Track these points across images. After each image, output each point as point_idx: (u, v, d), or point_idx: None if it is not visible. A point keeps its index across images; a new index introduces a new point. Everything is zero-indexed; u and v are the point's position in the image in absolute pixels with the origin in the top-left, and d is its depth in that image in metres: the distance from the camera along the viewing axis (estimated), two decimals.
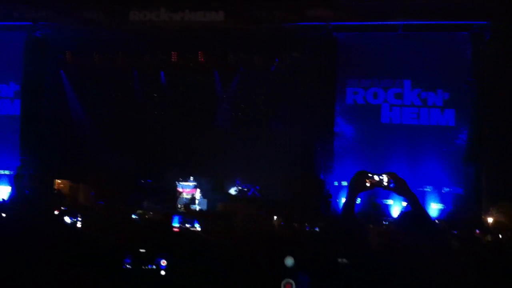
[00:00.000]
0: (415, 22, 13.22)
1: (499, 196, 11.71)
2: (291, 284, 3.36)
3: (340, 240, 3.97)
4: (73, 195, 13.11)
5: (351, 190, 3.81)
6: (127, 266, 4.36)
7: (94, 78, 14.72)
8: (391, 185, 3.71)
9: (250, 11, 13.52)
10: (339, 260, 3.81)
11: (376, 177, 3.70)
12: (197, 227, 7.36)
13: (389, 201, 12.08)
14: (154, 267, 4.26)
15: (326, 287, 3.58)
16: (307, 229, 7.78)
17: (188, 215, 8.61)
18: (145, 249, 4.69)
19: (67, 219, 6.99)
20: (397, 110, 13.54)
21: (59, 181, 13.01)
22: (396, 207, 11.99)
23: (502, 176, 11.84)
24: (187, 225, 7.57)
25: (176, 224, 7.68)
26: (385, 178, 3.69)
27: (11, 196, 11.88)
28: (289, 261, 3.60)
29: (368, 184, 3.73)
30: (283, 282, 3.37)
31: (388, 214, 11.73)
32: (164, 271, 4.14)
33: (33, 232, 4.62)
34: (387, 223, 9.25)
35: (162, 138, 14.46)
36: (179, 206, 11.97)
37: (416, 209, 3.71)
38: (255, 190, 13.39)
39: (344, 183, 12.91)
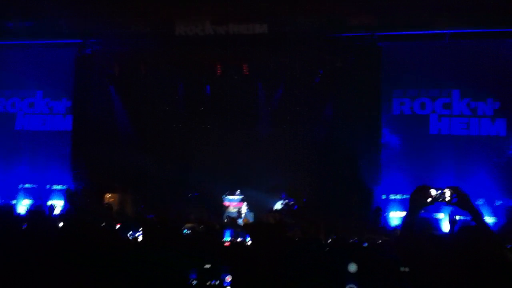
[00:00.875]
0: (462, 31, 13.00)
1: None
2: None
3: (400, 256, 3.93)
4: (122, 208, 13.39)
5: (412, 205, 3.77)
6: (193, 282, 4.40)
7: (141, 92, 14.98)
8: (454, 200, 3.65)
9: (293, 23, 13.53)
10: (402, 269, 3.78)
11: (438, 192, 3.66)
12: (248, 241, 7.34)
13: (440, 215, 11.86)
14: (218, 282, 4.30)
15: None
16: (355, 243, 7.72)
17: (239, 228, 8.63)
18: (209, 264, 4.72)
19: (128, 234, 7.10)
20: (445, 120, 13.29)
21: (109, 195, 13.31)
22: (446, 221, 11.75)
23: None
24: (239, 239, 7.59)
25: (227, 238, 7.72)
26: (447, 192, 3.64)
27: (64, 210, 12.17)
28: (352, 267, 3.61)
29: (429, 200, 3.69)
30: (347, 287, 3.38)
31: (439, 228, 11.51)
32: (230, 287, 4.17)
33: (93, 245, 4.72)
34: (443, 237, 9.04)
35: (208, 151, 14.59)
36: (225, 219, 12.02)
37: (479, 223, 3.66)
38: (301, 203, 13.34)
39: (392, 196, 12.76)
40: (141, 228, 6.71)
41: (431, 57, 13.35)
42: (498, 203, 12.30)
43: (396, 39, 13.44)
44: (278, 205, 13.28)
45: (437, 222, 11.77)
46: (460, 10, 12.71)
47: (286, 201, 13.26)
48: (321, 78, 14.21)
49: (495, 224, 11.95)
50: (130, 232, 7.24)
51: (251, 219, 12.32)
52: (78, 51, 14.40)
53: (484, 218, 3.71)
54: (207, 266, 4.61)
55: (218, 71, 14.60)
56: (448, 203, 3.63)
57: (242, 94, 14.80)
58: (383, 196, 12.84)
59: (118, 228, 7.85)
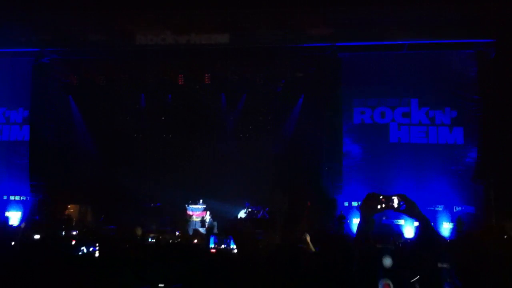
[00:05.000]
0: (420, 42, 13.29)
1: (509, 213, 11.63)
2: (389, 285, 3.34)
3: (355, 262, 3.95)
4: (82, 220, 13.09)
5: (363, 212, 3.80)
6: None
7: (101, 102, 14.76)
8: (402, 207, 3.71)
9: (254, 33, 13.59)
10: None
11: (386, 199, 3.71)
12: (233, 247, 7.22)
13: (400, 221, 12.02)
14: None
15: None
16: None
17: (223, 235, 8.52)
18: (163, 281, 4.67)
19: (84, 249, 6.93)
20: (405, 129, 13.51)
21: (68, 206, 13.01)
22: (408, 227, 11.93)
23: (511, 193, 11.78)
24: (223, 246, 7.51)
25: (212, 245, 7.64)
26: (395, 200, 3.70)
27: (21, 222, 11.83)
28: (387, 261, 3.58)
29: (379, 207, 3.73)
30: (381, 283, 3.35)
31: (401, 234, 11.66)
32: None
33: (48, 261, 4.59)
34: (401, 243, 9.18)
35: (170, 160, 14.48)
36: (189, 229, 11.92)
37: (427, 230, 3.72)
38: (265, 212, 13.35)
39: (355, 203, 12.87)
40: (97, 244, 6.55)
41: (390, 67, 13.57)
42: (457, 209, 12.57)
43: (356, 50, 13.62)
44: (242, 214, 13.26)
45: (398, 228, 11.93)
46: (418, 21, 13.03)
47: (250, 209, 13.26)
48: (283, 88, 14.30)
49: (452, 229, 12.22)
50: (84, 248, 7.03)
51: (215, 229, 12.23)
52: (35, 60, 14.08)
53: (432, 225, 3.78)
54: (161, 285, 4.56)
55: (180, 81, 14.50)
56: (396, 210, 3.69)
57: (205, 104, 14.76)
58: (346, 203, 12.94)
59: (75, 243, 7.64)
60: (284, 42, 13.46)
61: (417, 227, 10.44)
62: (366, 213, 3.76)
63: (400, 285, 3.57)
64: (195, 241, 9.58)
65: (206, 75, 14.42)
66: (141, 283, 4.51)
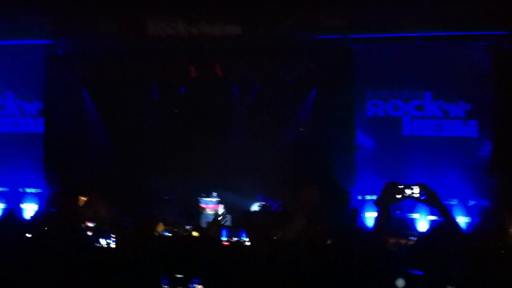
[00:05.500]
0: (434, 34, 13.22)
1: None
2: None
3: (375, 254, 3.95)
4: (97, 211, 13.18)
5: (382, 202, 3.81)
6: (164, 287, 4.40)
7: (114, 93, 14.80)
8: (422, 197, 3.72)
9: (267, 24, 13.57)
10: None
11: (406, 189, 3.72)
12: (245, 239, 7.27)
13: (415, 215, 12.04)
14: None
15: None
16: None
17: (235, 227, 8.58)
18: (181, 272, 4.72)
19: (101, 240, 7.01)
20: (418, 122, 13.48)
21: (83, 198, 13.10)
22: (422, 221, 11.96)
23: None
24: (235, 238, 7.57)
25: (224, 238, 7.69)
26: (416, 189, 3.71)
27: (37, 214, 11.93)
28: (400, 283, 3.60)
29: (399, 196, 3.74)
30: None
31: (414, 228, 11.69)
32: None
33: (63, 254, 4.66)
34: (415, 237, 9.19)
35: (184, 153, 14.53)
36: (202, 222, 11.98)
37: (447, 220, 3.72)
38: (278, 205, 13.39)
39: (368, 197, 12.90)
40: (114, 235, 6.63)
41: (403, 60, 13.52)
42: (472, 203, 12.55)
43: (369, 41, 13.59)
44: (255, 207, 13.30)
45: (412, 222, 11.96)
46: (432, 13, 12.94)
47: (263, 202, 13.30)
48: (295, 80, 14.27)
49: (469, 224, 12.19)
50: (101, 240, 7.13)
51: (228, 222, 12.28)
52: (49, 52, 14.15)
53: (452, 215, 3.77)
54: (179, 275, 4.62)
55: (192, 72, 14.52)
56: (417, 200, 3.70)
57: (217, 96, 14.76)
58: (359, 197, 12.97)
59: (92, 234, 7.74)
60: (297, 34, 13.43)
61: (431, 222, 10.47)
62: (385, 202, 3.77)
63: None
64: (214, 234, 9.61)
65: (218, 67, 14.41)
66: (158, 275, 4.56)
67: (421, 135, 13.39)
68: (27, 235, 6.20)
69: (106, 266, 4.49)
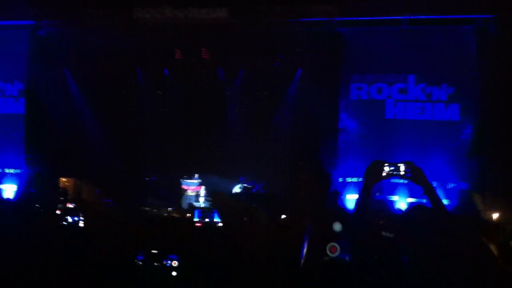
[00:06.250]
0: (418, 17, 13.16)
1: (504, 191, 11.66)
2: (336, 247, 3.32)
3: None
4: (78, 193, 13.14)
5: (367, 180, 3.76)
6: (139, 263, 4.36)
7: (98, 76, 14.71)
8: (408, 174, 3.68)
9: (253, 7, 13.49)
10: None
11: (392, 166, 3.68)
12: (217, 220, 7.24)
13: (394, 197, 12.06)
14: (166, 264, 4.24)
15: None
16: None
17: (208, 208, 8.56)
18: (158, 249, 4.67)
19: (69, 219, 6.98)
20: (401, 105, 13.45)
21: (64, 179, 13.06)
22: (401, 203, 11.98)
23: (506, 171, 11.79)
24: (207, 219, 7.56)
25: (196, 218, 7.69)
26: (401, 166, 3.66)
27: (17, 194, 11.91)
28: (337, 226, 3.55)
29: (384, 174, 3.69)
30: (328, 245, 3.32)
31: (393, 210, 11.70)
32: (175, 271, 4.13)
33: (35, 231, 4.64)
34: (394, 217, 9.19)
35: (166, 135, 14.51)
36: (183, 203, 11.99)
37: (431, 199, 3.69)
38: (260, 187, 13.40)
39: (349, 179, 12.92)
40: (81, 214, 6.57)
41: (388, 43, 13.49)
42: (451, 185, 12.57)
43: (355, 25, 13.52)
44: (237, 189, 13.30)
45: (391, 204, 11.98)
46: None
47: (245, 184, 13.30)
48: (280, 63, 14.21)
49: (448, 206, 12.22)
50: (71, 218, 7.07)
51: (208, 203, 12.30)
52: (30, 32, 14.02)
53: (437, 193, 3.73)
54: (154, 251, 4.56)
55: (177, 55, 14.44)
56: (402, 177, 3.65)
57: (202, 78, 14.73)
58: (340, 179, 12.99)
59: (60, 213, 7.69)
60: (283, 17, 13.35)
61: (410, 204, 10.47)
62: (370, 180, 3.72)
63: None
64: (189, 215, 9.63)
65: (203, 49, 14.34)
66: (134, 250, 4.51)
67: (404, 118, 13.39)
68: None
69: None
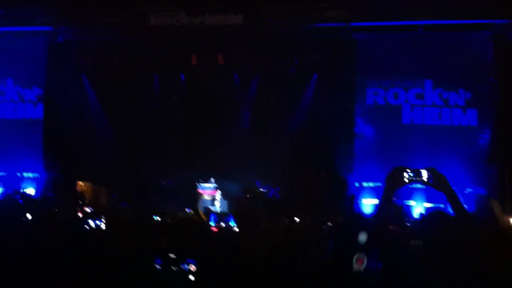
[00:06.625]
0: (435, 22, 13.12)
1: None
2: (363, 260, 3.30)
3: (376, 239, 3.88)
4: (95, 197, 13.25)
5: (389, 185, 3.72)
6: (158, 266, 4.37)
7: (115, 82, 14.89)
8: (431, 181, 3.65)
9: (269, 14, 13.54)
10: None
11: (414, 172, 3.65)
12: (233, 225, 7.21)
13: (411, 202, 11.98)
14: (184, 268, 4.25)
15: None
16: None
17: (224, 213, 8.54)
18: (175, 253, 4.68)
19: (91, 223, 6.99)
20: (418, 110, 13.40)
21: (81, 183, 13.17)
22: (418, 208, 11.90)
23: None
24: (222, 224, 7.53)
25: (212, 223, 7.66)
26: (424, 173, 3.63)
27: (35, 198, 11.98)
28: (362, 237, 3.53)
29: (406, 180, 3.67)
30: (355, 257, 3.30)
31: (410, 215, 11.63)
32: (193, 276, 4.12)
33: (56, 234, 4.66)
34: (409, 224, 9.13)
35: (183, 140, 14.58)
36: (199, 207, 12.00)
37: (454, 206, 3.65)
38: (276, 192, 13.39)
39: (365, 184, 12.87)
40: (103, 217, 6.60)
41: (405, 48, 13.46)
42: (469, 191, 12.45)
43: (371, 31, 13.51)
44: (252, 193, 13.28)
45: (408, 209, 11.90)
46: (434, 2, 12.86)
47: (261, 189, 13.30)
48: (297, 69, 14.25)
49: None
50: (92, 221, 7.09)
51: (225, 207, 12.32)
52: (50, 40, 14.20)
53: (460, 200, 3.70)
54: (172, 255, 4.57)
55: (193, 61, 14.52)
56: (425, 184, 3.61)
57: (218, 85, 14.79)
58: (356, 184, 12.95)
59: (82, 216, 7.71)
60: (299, 23, 13.38)
61: (427, 209, 10.38)
62: (392, 186, 3.69)
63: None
64: (205, 219, 9.61)
65: (220, 55, 14.40)
66: (152, 254, 4.53)
67: (420, 123, 13.33)
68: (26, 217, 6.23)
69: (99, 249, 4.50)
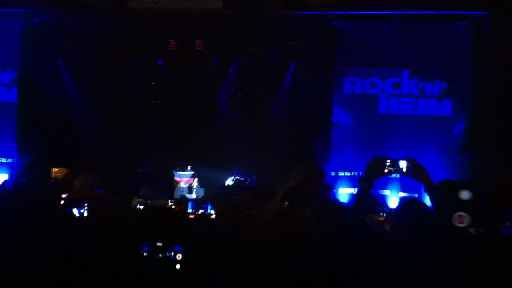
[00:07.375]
0: (414, 12, 13.16)
1: (495, 186, 11.71)
2: (464, 217, 3.30)
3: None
4: (69, 183, 13.08)
5: (368, 176, 3.77)
6: (145, 253, 4.36)
7: (92, 66, 14.64)
8: (410, 171, 3.70)
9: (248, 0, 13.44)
10: None
11: (394, 163, 3.69)
12: (210, 211, 7.17)
13: (386, 192, 12.12)
14: (170, 256, 4.24)
15: None
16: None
17: (201, 199, 8.48)
18: (160, 241, 4.67)
19: (74, 210, 6.91)
20: (394, 100, 13.51)
21: (56, 169, 12.99)
22: (393, 197, 12.05)
23: (497, 166, 11.86)
24: (201, 211, 7.49)
25: (189, 210, 7.62)
26: (404, 164, 3.68)
27: (8, 183, 11.80)
28: (464, 194, 3.54)
29: (386, 170, 3.70)
30: (455, 215, 3.30)
31: (385, 205, 11.78)
32: (179, 264, 4.12)
33: (38, 223, 4.61)
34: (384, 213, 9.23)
35: (160, 126, 14.51)
36: (176, 195, 11.98)
37: (434, 195, 3.71)
38: (252, 180, 13.42)
39: (341, 173, 12.97)
40: (86, 204, 6.53)
41: (383, 38, 13.50)
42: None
43: (350, 19, 13.51)
44: (229, 181, 13.32)
45: (383, 198, 12.04)
46: None
47: (237, 177, 13.31)
48: (275, 55, 14.20)
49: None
50: (74, 209, 7.02)
51: (201, 194, 12.30)
52: (24, 21, 13.91)
53: (439, 190, 3.74)
54: (159, 243, 4.56)
55: (171, 46, 14.37)
56: (404, 174, 3.65)
57: (195, 70, 14.70)
58: (333, 173, 13.04)
59: (64, 203, 7.63)
60: (279, 10, 13.31)
61: (401, 198, 10.51)
62: (371, 176, 3.73)
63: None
64: (182, 206, 9.58)
65: (198, 41, 14.27)
66: (139, 242, 4.51)
67: (397, 113, 13.43)
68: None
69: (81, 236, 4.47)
